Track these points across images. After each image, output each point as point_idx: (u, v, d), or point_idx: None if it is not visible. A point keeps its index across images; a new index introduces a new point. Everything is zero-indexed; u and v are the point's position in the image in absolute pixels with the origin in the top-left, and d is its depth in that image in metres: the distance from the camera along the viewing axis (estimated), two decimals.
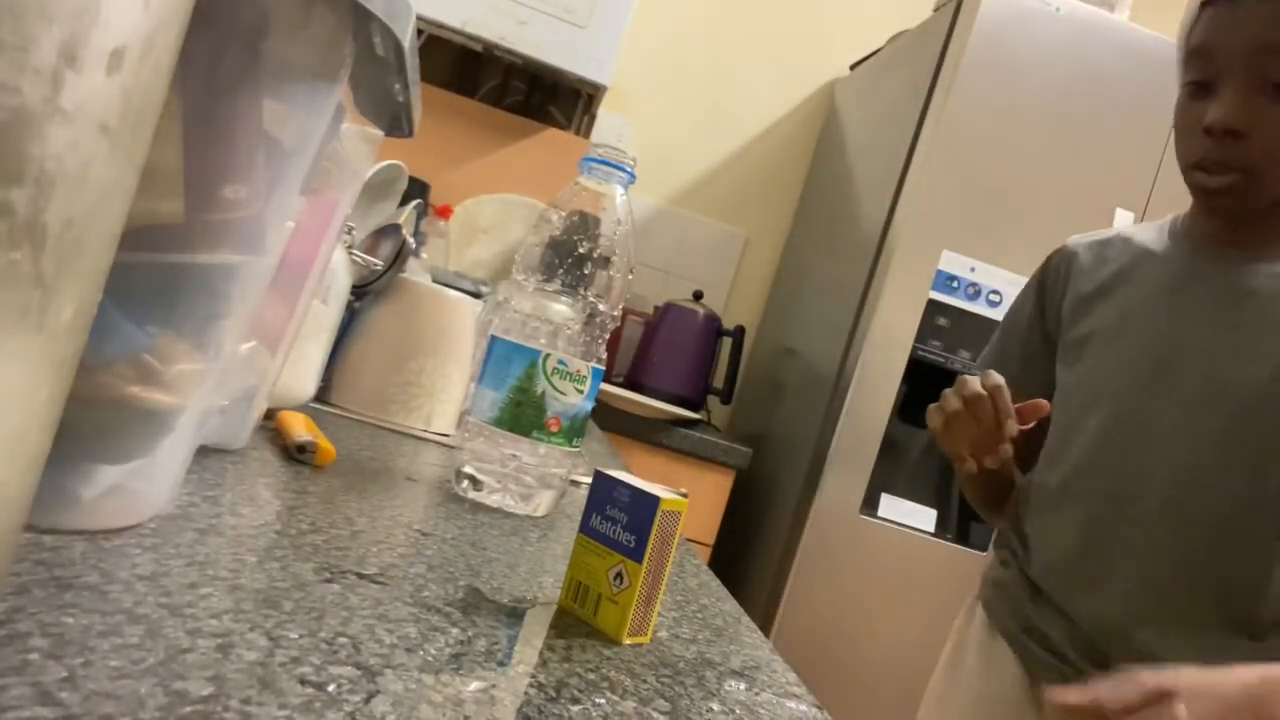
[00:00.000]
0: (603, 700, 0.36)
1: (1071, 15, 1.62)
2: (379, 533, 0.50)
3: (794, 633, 1.62)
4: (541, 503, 0.66)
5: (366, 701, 0.30)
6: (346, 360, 0.87)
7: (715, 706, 0.40)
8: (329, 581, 0.40)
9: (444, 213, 1.72)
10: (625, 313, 2.13)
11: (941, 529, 1.67)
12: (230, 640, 0.31)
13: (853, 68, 2.23)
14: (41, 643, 0.27)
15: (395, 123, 0.55)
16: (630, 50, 2.17)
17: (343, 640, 0.34)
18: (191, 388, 0.39)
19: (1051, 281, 0.96)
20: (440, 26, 1.72)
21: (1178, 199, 0.85)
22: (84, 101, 0.21)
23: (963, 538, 1.68)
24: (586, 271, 0.66)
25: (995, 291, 1.64)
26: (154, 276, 0.36)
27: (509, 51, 1.77)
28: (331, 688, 0.30)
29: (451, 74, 2.05)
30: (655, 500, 0.44)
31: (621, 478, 0.46)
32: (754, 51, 2.28)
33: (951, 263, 1.64)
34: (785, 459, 1.81)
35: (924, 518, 1.67)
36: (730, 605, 0.58)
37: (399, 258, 0.86)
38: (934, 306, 1.63)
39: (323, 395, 0.86)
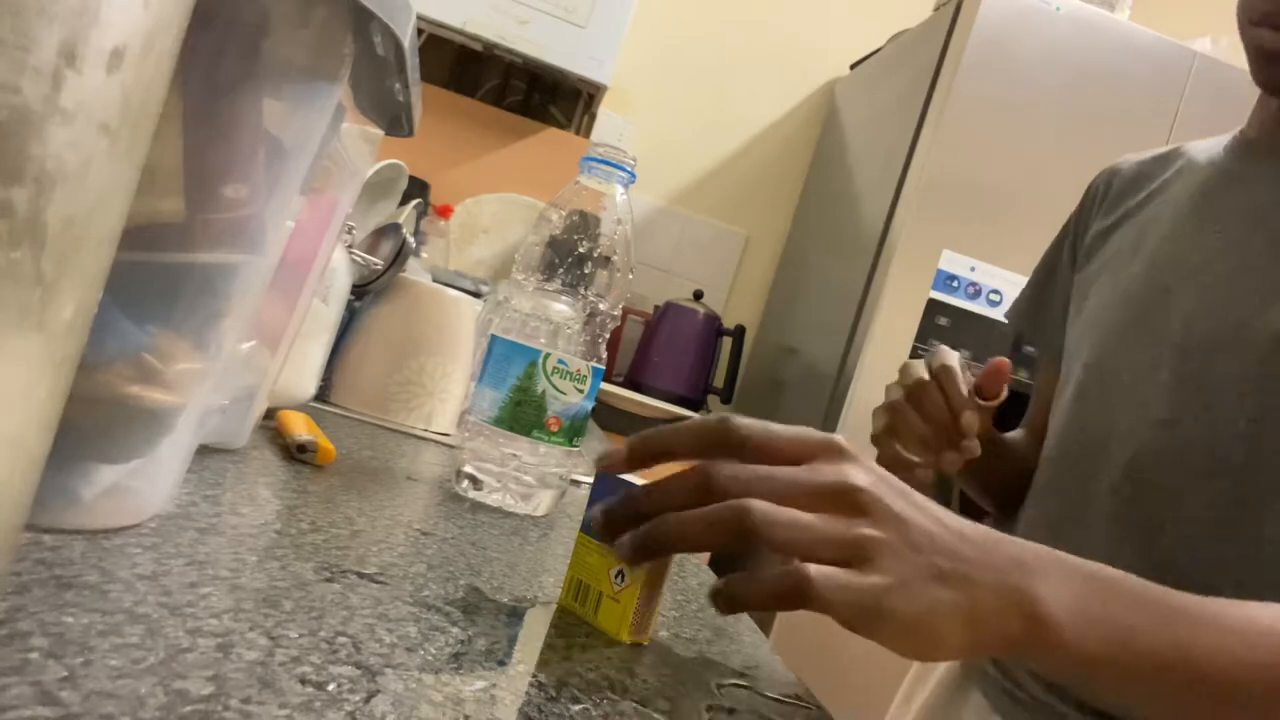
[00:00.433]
0: (603, 700, 0.36)
1: (1072, 15, 1.62)
2: (379, 532, 0.50)
3: (794, 633, 1.63)
4: (542, 502, 0.66)
5: (366, 701, 0.30)
6: (347, 359, 0.87)
7: (715, 706, 0.40)
8: (329, 581, 0.40)
9: (444, 212, 1.73)
10: (625, 312, 2.13)
11: None
12: (230, 640, 0.31)
13: (853, 67, 2.22)
14: (42, 642, 0.27)
15: (395, 122, 0.55)
16: (630, 50, 2.17)
17: (343, 640, 0.34)
18: (191, 387, 0.39)
19: (1085, 208, 0.78)
20: (440, 26, 1.72)
21: None
22: (84, 101, 0.21)
23: None
24: (586, 271, 0.66)
25: (995, 291, 1.64)
26: (154, 275, 0.36)
27: (509, 51, 1.77)
28: (332, 687, 0.30)
29: (451, 73, 2.05)
30: None
31: (622, 477, 0.45)
32: (754, 51, 2.27)
33: (951, 262, 1.64)
34: None
35: None
36: None
37: (399, 257, 0.86)
38: (934, 306, 1.63)
39: (323, 394, 0.86)
